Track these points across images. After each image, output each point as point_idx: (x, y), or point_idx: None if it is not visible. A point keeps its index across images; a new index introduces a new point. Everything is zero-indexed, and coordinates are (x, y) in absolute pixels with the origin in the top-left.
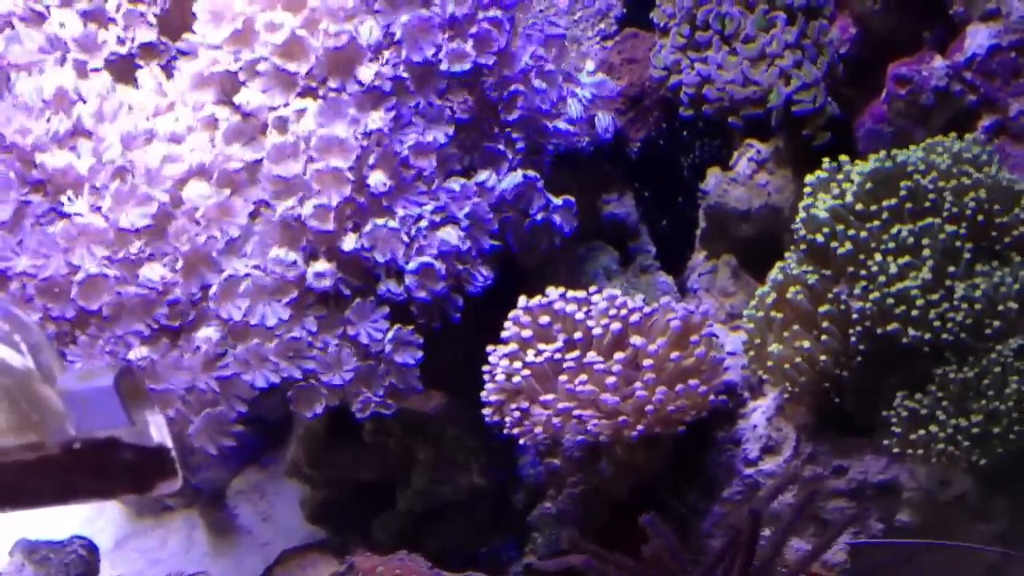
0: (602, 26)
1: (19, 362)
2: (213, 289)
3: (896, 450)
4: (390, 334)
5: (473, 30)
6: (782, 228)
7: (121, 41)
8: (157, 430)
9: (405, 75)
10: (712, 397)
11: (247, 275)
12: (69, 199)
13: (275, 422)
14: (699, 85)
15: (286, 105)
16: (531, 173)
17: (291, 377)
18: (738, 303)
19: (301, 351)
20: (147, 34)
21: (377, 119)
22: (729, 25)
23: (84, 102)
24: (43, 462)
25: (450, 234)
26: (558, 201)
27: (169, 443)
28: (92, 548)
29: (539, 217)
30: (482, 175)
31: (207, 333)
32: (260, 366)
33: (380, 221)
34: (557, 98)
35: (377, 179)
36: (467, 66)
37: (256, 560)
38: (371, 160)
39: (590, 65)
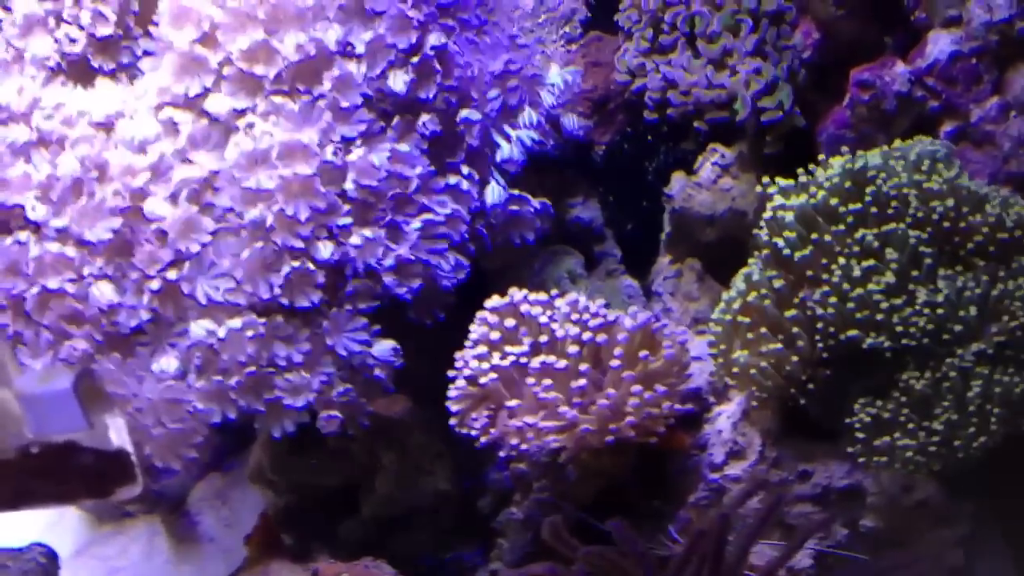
0: (567, 29)
1: None
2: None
3: (861, 458)
4: (374, 348)
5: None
6: (746, 232)
7: (77, 40)
8: (116, 434)
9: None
10: (678, 406)
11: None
12: (33, 208)
13: (237, 427)
14: (663, 89)
15: (253, 110)
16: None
17: (254, 410)
18: (703, 308)
19: (267, 384)
20: (106, 30)
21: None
22: (699, 24)
23: (40, 108)
24: (0, 467)
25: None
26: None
27: (129, 447)
28: (52, 555)
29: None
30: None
31: (168, 362)
32: (221, 402)
33: (360, 230)
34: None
35: (354, 187)
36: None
37: (219, 567)
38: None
39: (555, 68)
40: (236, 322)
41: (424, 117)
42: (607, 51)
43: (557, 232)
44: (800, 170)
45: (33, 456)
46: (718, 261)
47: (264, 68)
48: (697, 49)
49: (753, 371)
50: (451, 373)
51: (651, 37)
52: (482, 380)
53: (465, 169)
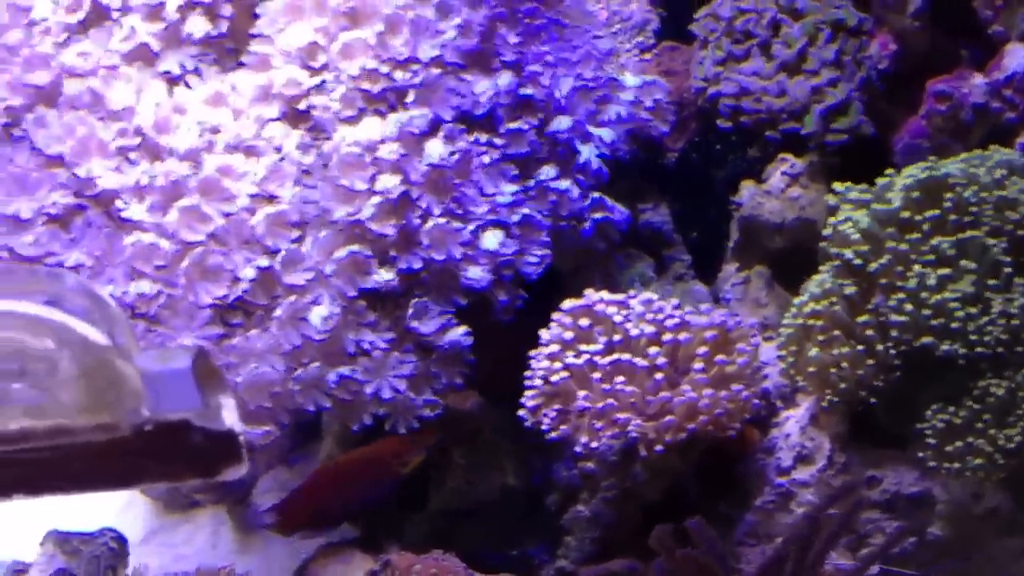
0: (640, 39)
1: (100, 339)
2: (277, 312)
3: (931, 463)
4: (448, 333)
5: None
6: (815, 240)
7: (184, 43)
8: (228, 413)
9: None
10: (756, 401)
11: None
12: (124, 203)
13: (303, 422)
14: (737, 96)
15: (354, 116)
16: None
17: (342, 400)
18: (770, 314)
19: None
20: (206, 30)
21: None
22: (776, 34)
23: (139, 111)
24: (114, 444)
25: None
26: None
27: (238, 428)
28: (122, 540)
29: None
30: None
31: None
32: (314, 392)
33: (441, 222)
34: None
35: (431, 197)
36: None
37: (282, 557)
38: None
39: (630, 76)
40: (323, 310)
41: (513, 124)
42: (680, 60)
43: (629, 235)
44: (877, 179)
45: (146, 434)
46: (786, 269)
47: (372, 85)
48: (773, 57)
49: (832, 369)
50: (526, 372)
51: (727, 45)
52: (555, 378)
53: (551, 171)
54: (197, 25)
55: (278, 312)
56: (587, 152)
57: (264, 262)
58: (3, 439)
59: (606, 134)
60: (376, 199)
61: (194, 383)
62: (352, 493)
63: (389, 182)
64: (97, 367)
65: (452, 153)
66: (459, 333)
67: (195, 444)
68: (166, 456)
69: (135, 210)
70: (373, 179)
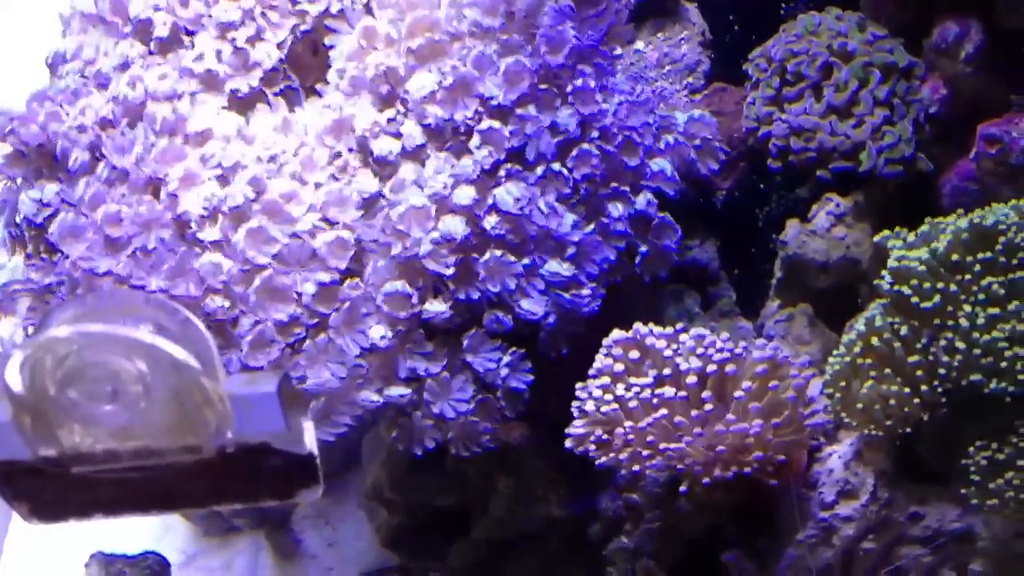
0: (690, 80)
1: (192, 362)
2: (333, 317)
3: (973, 500)
4: (506, 358)
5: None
6: (859, 280)
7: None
8: (308, 437)
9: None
10: (807, 440)
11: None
12: (198, 226)
13: (341, 449)
14: (787, 136)
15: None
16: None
17: (396, 400)
18: (814, 351)
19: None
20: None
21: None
22: (828, 76)
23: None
24: (197, 465)
25: (561, 265)
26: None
27: (315, 451)
28: (164, 564)
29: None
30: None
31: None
32: (368, 386)
33: (497, 254)
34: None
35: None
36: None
37: None
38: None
39: (680, 115)
40: (380, 330)
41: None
42: (730, 101)
43: (675, 271)
44: (928, 219)
45: (229, 455)
46: (829, 307)
47: (436, 119)
48: (823, 98)
49: (876, 407)
50: (574, 403)
51: (777, 86)
52: (604, 408)
53: (618, 204)
54: (265, 55)
55: (334, 317)
56: (641, 196)
57: (325, 277)
58: (88, 460)
59: (665, 169)
60: (435, 236)
61: (279, 407)
62: None
63: (455, 228)
64: (187, 389)
65: (519, 200)
66: (518, 375)
67: (276, 467)
68: (247, 478)
69: (208, 232)
70: (437, 220)
